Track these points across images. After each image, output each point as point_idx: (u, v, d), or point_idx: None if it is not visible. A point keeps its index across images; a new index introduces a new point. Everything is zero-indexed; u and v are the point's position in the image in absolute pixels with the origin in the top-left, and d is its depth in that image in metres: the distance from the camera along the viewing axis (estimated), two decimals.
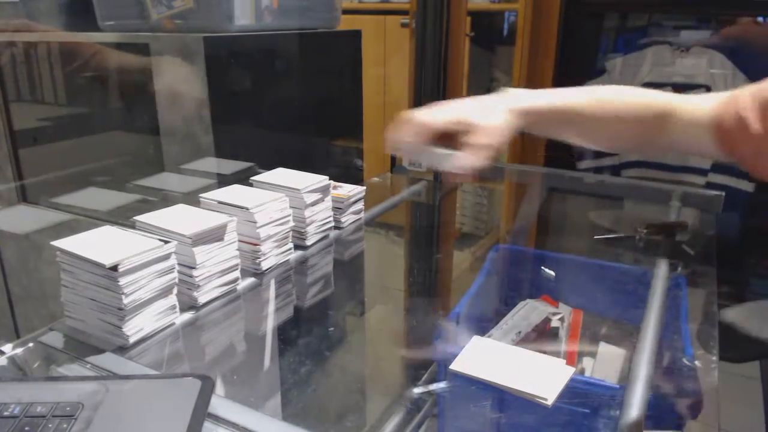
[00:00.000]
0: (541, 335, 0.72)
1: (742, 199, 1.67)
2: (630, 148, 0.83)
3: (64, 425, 0.44)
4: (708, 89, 1.57)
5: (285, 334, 0.72)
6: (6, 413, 0.45)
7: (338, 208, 0.90)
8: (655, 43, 1.60)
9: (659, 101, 0.68)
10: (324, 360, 0.67)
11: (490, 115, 0.64)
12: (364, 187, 0.94)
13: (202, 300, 0.68)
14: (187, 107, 1.04)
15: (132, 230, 0.66)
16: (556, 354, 0.69)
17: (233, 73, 1.08)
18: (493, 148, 0.61)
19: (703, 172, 1.68)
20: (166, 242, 0.62)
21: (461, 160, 0.59)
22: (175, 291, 0.64)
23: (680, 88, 1.59)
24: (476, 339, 0.60)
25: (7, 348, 0.60)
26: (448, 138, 0.62)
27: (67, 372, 0.56)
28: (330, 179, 0.87)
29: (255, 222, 0.74)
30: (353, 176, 1.43)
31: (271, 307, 0.75)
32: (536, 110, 0.69)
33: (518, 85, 1.50)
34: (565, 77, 1.57)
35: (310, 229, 0.85)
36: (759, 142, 0.58)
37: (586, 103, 0.70)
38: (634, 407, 0.49)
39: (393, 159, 1.25)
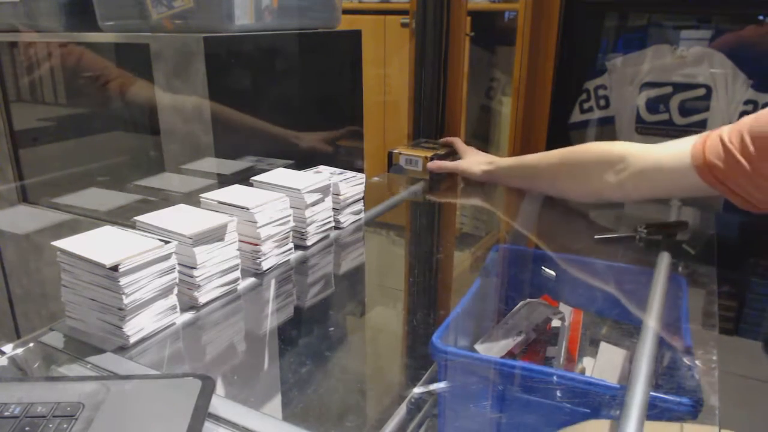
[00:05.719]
0: (542, 335, 0.72)
1: None
2: (589, 194, 0.96)
3: (65, 425, 0.44)
4: (708, 89, 1.57)
5: (285, 334, 0.72)
6: (6, 413, 0.45)
7: (337, 205, 0.90)
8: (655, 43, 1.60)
9: (615, 150, 0.87)
10: (324, 360, 0.67)
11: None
12: (364, 175, 0.95)
13: (202, 300, 0.68)
14: (187, 107, 1.04)
15: (132, 230, 0.66)
16: (557, 354, 0.69)
17: (233, 73, 1.09)
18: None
19: None
20: (166, 242, 0.62)
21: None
22: (175, 291, 0.65)
23: (680, 87, 1.59)
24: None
25: (8, 348, 0.60)
26: None
27: (68, 372, 0.56)
28: (332, 171, 0.87)
29: (255, 222, 0.74)
30: None
31: (272, 307, 0.75)
32: (502, 166, 1.09)
33: (518, 85, 1.50)
34: (565, 77, 1.57)
35: (311, 229, 0.85)
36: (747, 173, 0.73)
37: (538, 159, 1.00)
38: (634, 407, 0.49)
39: (390, 158, 1.25)
